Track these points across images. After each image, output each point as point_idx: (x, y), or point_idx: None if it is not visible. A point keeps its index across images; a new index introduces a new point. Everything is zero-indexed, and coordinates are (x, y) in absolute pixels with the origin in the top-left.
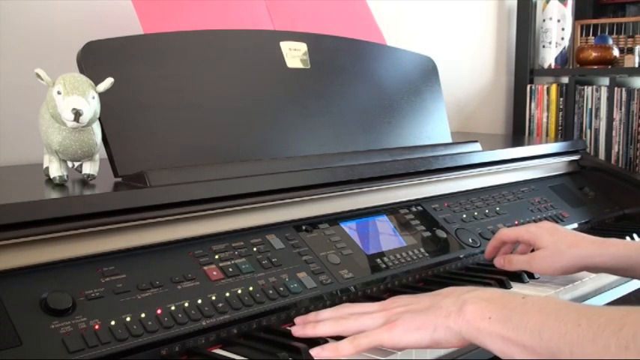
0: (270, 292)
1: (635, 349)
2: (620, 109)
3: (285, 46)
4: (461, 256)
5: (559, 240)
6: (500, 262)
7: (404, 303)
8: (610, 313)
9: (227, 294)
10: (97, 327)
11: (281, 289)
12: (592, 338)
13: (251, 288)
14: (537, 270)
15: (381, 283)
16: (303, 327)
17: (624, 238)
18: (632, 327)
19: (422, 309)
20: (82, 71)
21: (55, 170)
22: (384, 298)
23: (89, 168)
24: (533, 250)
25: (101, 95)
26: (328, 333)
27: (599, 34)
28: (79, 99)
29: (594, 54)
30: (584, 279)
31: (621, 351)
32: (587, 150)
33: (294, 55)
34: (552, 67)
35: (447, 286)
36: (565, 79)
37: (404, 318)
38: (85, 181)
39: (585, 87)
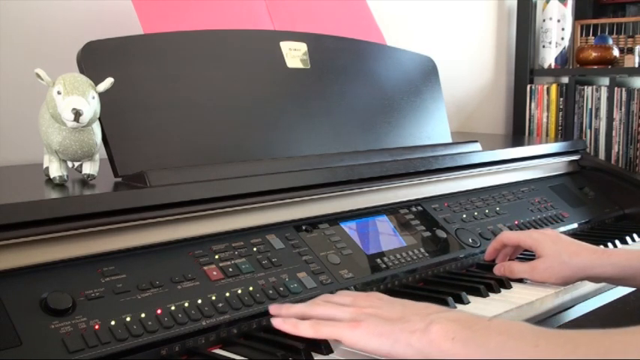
0: (270, 292)
1: None
2: (620, 109)
3: (285, 46)
4: (461, 256)
5: (561, 249)
6: (500, 271)
7: (376, 305)
8: (569, 335)
9: (227, 294)
10: (97, 327)
11: (281, 289)
12: (548, 357)
13: (251, 288)
14: (539, 279)
15: (381, 283)
16: (284, 321)
17: (624, 238)
18: (587, 347)
19: (390, 318)
20: (82, 71)
21: (55, 170)
22: None
23: (89, 168)
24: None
25: (101, 95)
26: (298, 315)
27: (599, 34)
28: (79, 99)
29: (594, 54)
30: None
31: None
32: (587, 150)
33: (294, 55)
34: (552, 67)
35: (447, 286)
36: (565, 79)
37: (369, 321)
38: (85, 181)
39: (585, 87)
